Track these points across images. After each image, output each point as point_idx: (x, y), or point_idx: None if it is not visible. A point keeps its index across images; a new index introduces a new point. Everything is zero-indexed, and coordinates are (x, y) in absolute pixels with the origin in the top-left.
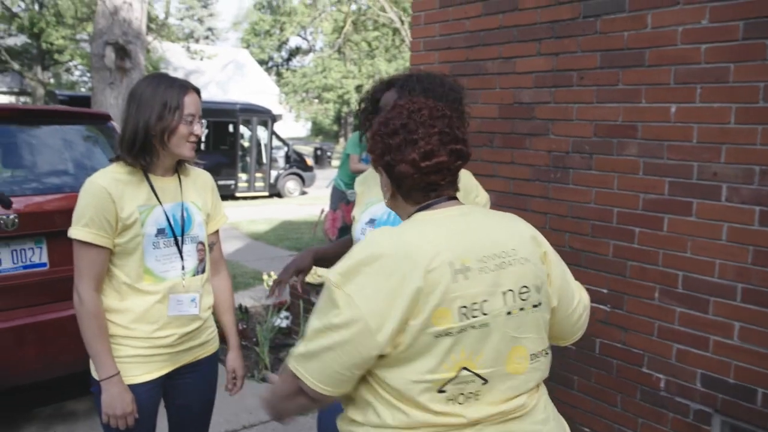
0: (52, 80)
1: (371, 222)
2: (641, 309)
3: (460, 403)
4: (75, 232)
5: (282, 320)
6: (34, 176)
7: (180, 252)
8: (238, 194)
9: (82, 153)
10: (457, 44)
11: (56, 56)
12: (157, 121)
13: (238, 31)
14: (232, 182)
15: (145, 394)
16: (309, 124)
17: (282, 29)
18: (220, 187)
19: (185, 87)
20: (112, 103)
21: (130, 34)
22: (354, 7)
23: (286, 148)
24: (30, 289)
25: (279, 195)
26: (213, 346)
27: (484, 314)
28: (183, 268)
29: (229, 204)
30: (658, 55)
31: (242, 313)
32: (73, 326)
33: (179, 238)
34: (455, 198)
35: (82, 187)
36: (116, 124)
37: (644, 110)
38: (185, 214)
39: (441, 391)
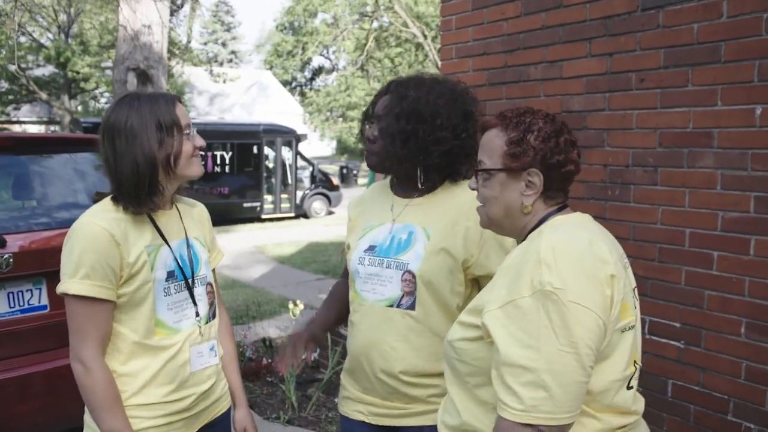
0: (79, 108)
1: (371, 249)
2: (724, 346)
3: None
4: (72, 286)
5: (310, 353)
6: (32, 210)
7: (192, 297)
8: (264, 216)
9: (87, 183)
10: (494, 49)
11: (82, 84)
12: (159, 148)
13: (261, 53)
14: (258, 204)
15: None
16: (334, 143)
17: (304, 49)
18: (246, 210)
19: (172, 98)
20: None
21: (151, 58)
22: (376, 24)
23: (311, 168)
24: (30, 335)
25: (305, 216)
26: (227, 402)
27: (636, 308)
28: (197, 314)
29: (255, 226)
30: (738, 49)
31: (266, 347)
32: None
33: (190, 281)
34: None
35: (72, 231)
36: None
37: (721, 114)
38: (191, 252)
39: (629, 387)
